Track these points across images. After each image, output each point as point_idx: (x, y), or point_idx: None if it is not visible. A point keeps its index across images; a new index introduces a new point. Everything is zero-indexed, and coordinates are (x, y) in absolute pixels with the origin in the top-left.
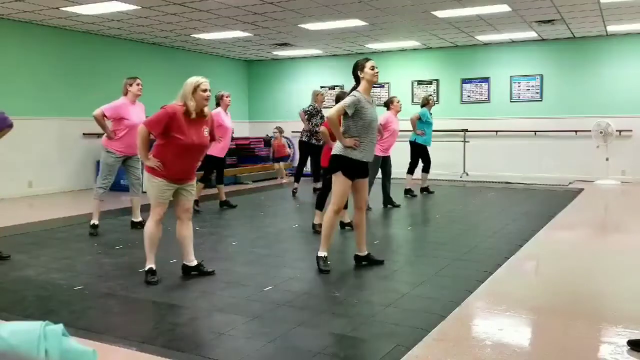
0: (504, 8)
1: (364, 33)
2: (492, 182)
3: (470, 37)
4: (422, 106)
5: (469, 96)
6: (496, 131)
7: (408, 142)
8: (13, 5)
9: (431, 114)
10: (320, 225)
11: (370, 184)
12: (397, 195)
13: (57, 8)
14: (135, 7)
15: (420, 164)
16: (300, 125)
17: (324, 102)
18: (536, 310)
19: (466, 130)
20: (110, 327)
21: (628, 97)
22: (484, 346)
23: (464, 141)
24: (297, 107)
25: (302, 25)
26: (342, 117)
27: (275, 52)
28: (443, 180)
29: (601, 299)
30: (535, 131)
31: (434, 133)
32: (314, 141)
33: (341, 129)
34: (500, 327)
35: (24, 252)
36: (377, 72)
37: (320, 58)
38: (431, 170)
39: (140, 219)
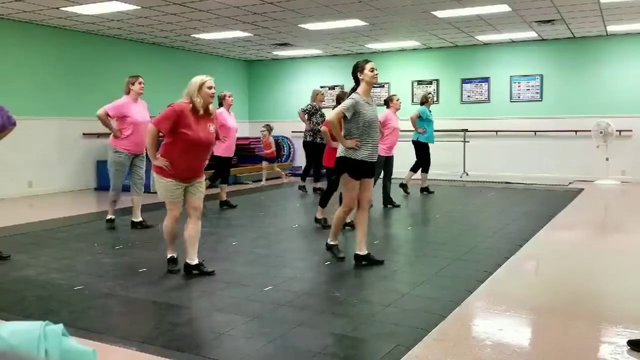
0: (504, 8)
1: (364, 33)
2: (492, 182)
3: (470, 37)
4: (421, 104)
5: (469, 96)
6: (496, 131)
7: (411, 142)
8: (13, 5)
9: (430, 111)
10: (322, 219)
11: (375, 182)
12: (397, 194)
13: (57, 8)
14: (135, 7)
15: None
16: (301, 126)
17: (324, 102)
18: (536, 310)
19: (466, 130)
20: (110, 327)
21: (628, 97)
22: (484, 346)
23: (464, 141)
24: (297, 107)
25: (302, 25)
26: (342, 119)
27: (275, 52)
28: (443, 180)
29: (601, 299)
30: (535, 131)
31: (434, 133)
32: (318, 140)
33: (342, 132)
34: (500, 327)
35: (24, 252)
36: (376, 74)
37: (320, 58)
38: (431, 170)
39: (140, 219)
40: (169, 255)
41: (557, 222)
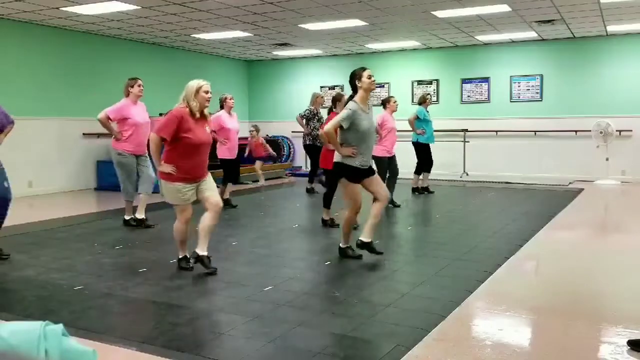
0: (504, 8)
1: (364, 33)
2: (492, 182)
3: (470, 37)
4: (419, 104)
5: (469, 96)
6: (496, 131)
7: (411, 143)
8: (13, 5)
9: (428, 112)
10: (328, 220)
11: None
12: (402, 195)
13: (57, 8)
14: (135, 7)
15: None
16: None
17: (323, 104)
18: (536, 310)
19: (466, 130)
20: (110, 327)
21: (628, 97)
22: (484, 346)
23: (464, 141)
24: (297, 107)
25: (302, 25)
26: (338, 128)
27: (275, 52)
28: (443, 180)
29: (601, 299)
30: (535, 131)
31: (434, 133)
32: (318, 143)
33: (338, 139)
34: (500, 327)
35: (24, 252)
36: (374, 81)
37: (320, 58)
38: (431, 170)
39: (143, 216)
40: (181, 255)
41: (557, 222)
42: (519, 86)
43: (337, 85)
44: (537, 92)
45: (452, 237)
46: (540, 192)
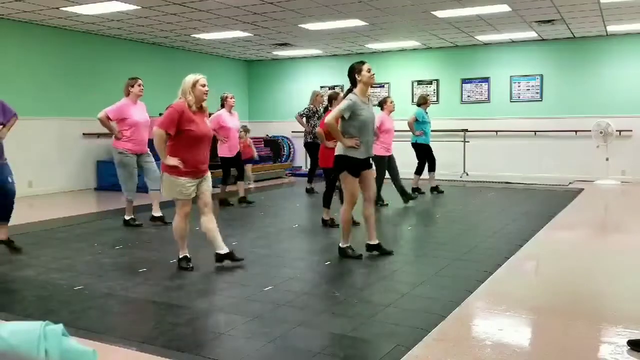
0: (504, 8)
1: (364, 33)
2: (492, 182)
3: (470, 37)
4: (419, 105)
5: (469, 96)
6: (496, 131)
7: (410, 144)
8: (13, 5)
9: (427, 113)
10: (329, 220)
11: (380, 184)
12: (397, 193)
13: (57, 8)
14: (135, 7)
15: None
16: (301, 126)
17: (323, 103)
18: (536, 310)
19: (466, 130)
20: (110, 327)
21: (628, 97)
22: (484, 346)
23: (464, 141)
24: (297, 107)
25: (302, 25)
26: (340, 119)
27: (275, 52)
28: (443, 180)
29: (601, 299)
30: (535, 131)
31: (434, 133)
32: (319, 141)
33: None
34: (500, 327)
35: (24, 252)
36: (373, 74)
37: (320, 58)
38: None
39: (160, 213)
40: (181, 255)
41: (557, 222)
42: (519, 86)
43: (337, 85)
44: (537, 92)
45: (452, 237)
46: (540, 192)
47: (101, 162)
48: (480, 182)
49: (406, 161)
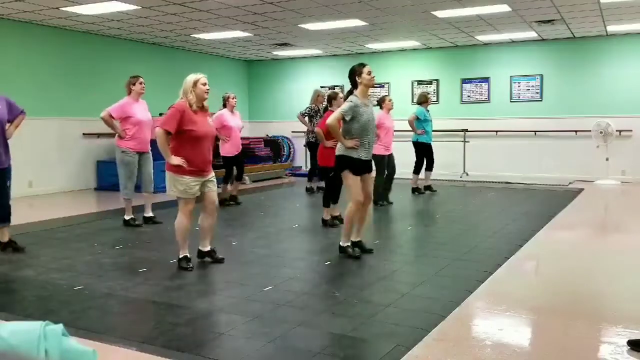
0: (504, 8)
1: (364, 33)
2: (492, 182)
3: (470, 37)
4: (420, 103)
5: (469, 96)
6: (496, 131)
7: (411, 143)
8: (13, 5)
9: (428, 111)
10: (329, 219)
11: (381, 182)
12: (402, 194)
13: (57, 8)
14: (135, 7)
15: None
16: (301, 126)
17: (324, 103)
18: (536, 310)
19: (466, 130)
20: (110, 327)
21: (628, 97)
22: (484, 346)
23: (464, 141)
24: (298, 107)
25: (302, 25)
26: (341, 121)
27: (275, 52)
28: (443, 180)
29: (601, 299)
30: (535, 131)
31: (434, 133)
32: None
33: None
34: (500, 327)
35: (24, 252)
36: (373, 77)
37: (320, 58)
38: (432, 169)
39: (151, 214)
40: (181, 255)
41: (557, 222)
42: (519, 86)
43: (337, 85)
44: (537, 92)
45: (452, 237)
46: (540, 192)
47: (101, 162)
48: (480, 182)
49: (406, 161)
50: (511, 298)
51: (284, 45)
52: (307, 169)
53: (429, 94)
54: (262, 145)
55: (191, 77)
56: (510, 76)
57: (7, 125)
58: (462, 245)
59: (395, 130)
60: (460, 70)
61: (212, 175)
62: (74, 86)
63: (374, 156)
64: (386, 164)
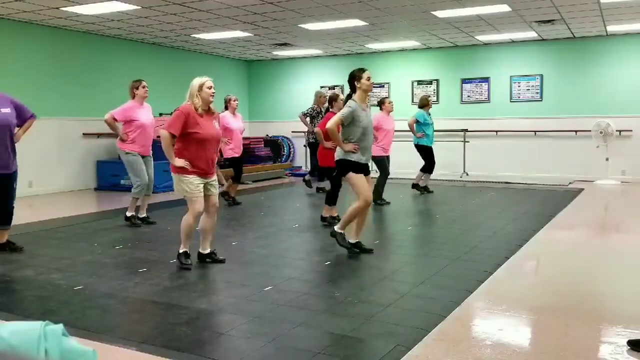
0: (504, 8)
1: (364, 33)
2: (492, 182)
3: (470, 37)
4: (420, 107)
5: (469, 96)
6: (496, 131)
7: (412, 143)
8: (13, 5)
9: (429, 114)
10: (328, 217)
11: (383, 183)
12: (403, 194)
13: (57, 8)
14: (135, 7)
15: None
16: (301, 126)
17: (326, 104)
18: (536, 310)
19: (466, 130)
20: (110, 327)
21: (628, 97)
22: (484, 346)
23: (464, 141)
24: (298, 107)
25: (302, 25)
26: (340, 125)
27: (275, 52)
28: (443, 180)
29: (601, 299)
30: (535, 131)
31: (434, 132)
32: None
33: (340, 136)
34: (500, 327)
35: (24, 252)
36: (372, 82)
37: (320, 58)
38: (433, 172)
39: (145, 214)
40: (182, 250)
41: (557, 222)
42: (519, 86)
43: (337, 85)
44: (537, 92)
45: (452, 237)
46: (540, 192)
47: (101, 162)
48: (480, 182)
49: (406, 161)
50: (511, 298)
51: (284, 45)
52: (307, 169)
53: (430, 97)
54: (262, 145)
55: (197, 81)
56: (510, 76)
57: (16, 129)
58: (462, 245)
59: (395, 131)
60: (460, 70)
61: (214, 178)
62: (74, 86)
63: (374, 157)
64: (385, 164)
